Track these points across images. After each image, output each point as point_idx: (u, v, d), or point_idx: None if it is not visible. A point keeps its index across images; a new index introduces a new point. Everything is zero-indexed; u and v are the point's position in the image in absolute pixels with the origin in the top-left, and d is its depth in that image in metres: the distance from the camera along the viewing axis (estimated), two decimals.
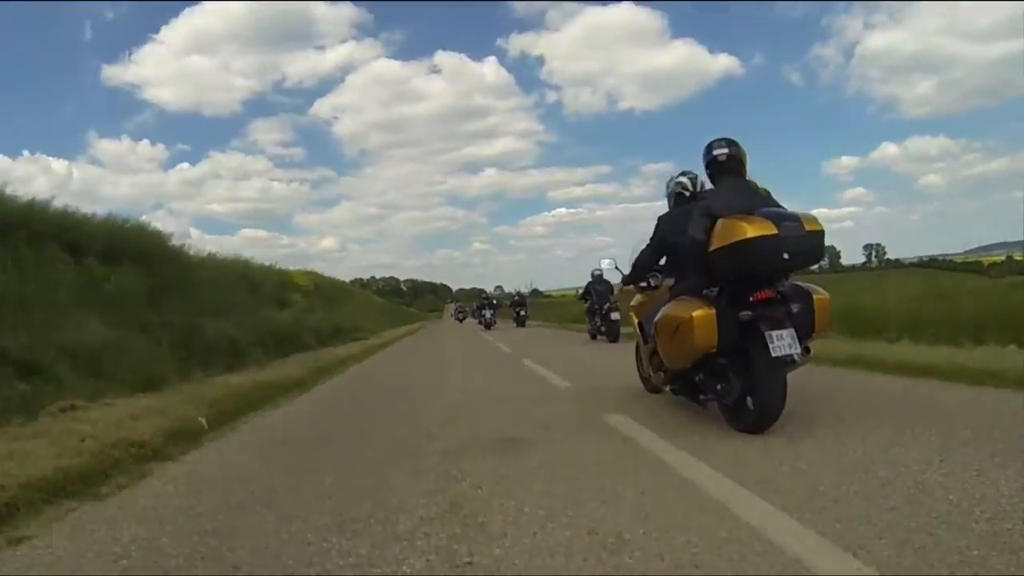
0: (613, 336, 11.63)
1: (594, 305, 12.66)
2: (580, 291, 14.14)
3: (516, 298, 26.00)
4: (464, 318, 39.81)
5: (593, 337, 12.73)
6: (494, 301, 25.57)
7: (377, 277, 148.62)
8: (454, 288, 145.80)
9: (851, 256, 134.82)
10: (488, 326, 23.34)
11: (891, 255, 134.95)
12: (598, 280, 13.14)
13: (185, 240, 15.59)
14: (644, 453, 2.96)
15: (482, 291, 32.77)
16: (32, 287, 5.81)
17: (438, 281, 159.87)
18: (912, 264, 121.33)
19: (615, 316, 11.52)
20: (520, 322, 24.36)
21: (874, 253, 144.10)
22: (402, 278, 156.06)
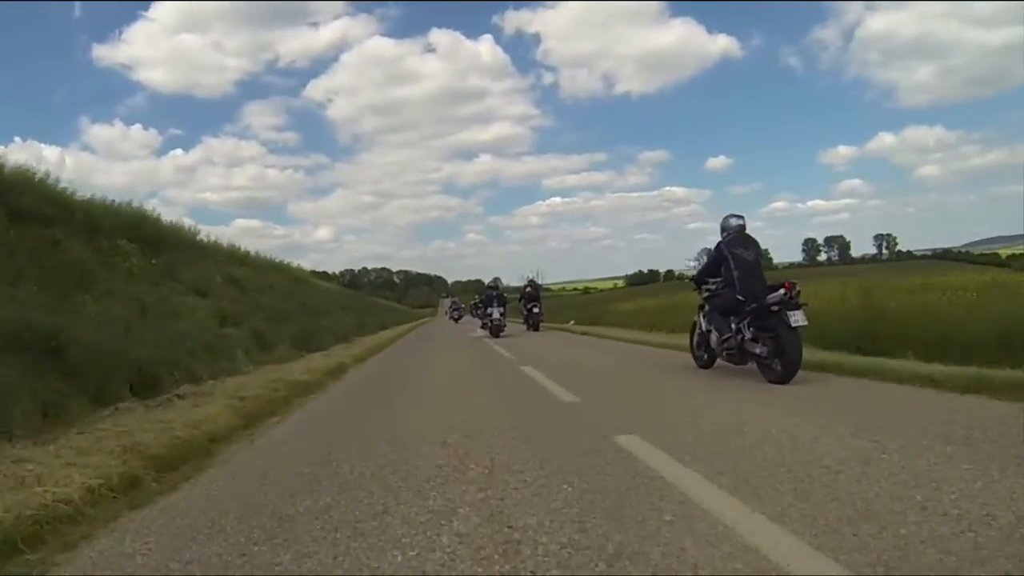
0: (792, 365, 5.17)
1: (736, 295, 5.86)
2: (693, 265, 7.59)
3: (528, 290, 19.35)
4: (460, 317, 34.25)
5: (708, 365, 6.56)
6: (504, 295, 18.93)
7: (369, 268, 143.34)
8: (449, 281, 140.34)
9: (857, 248, 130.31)
10: (496, 331, 16.25)
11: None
12: (737, 236, 6.18)
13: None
14: None
15: (488, 283, 25.44)
16: None
17: (432, 273, 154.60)
18: (925, 256, 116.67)
19: (798, 320, 5.24)
20: (533, 323, 18.47)
21: (884, 244, 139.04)
22: (395, 269, 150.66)
